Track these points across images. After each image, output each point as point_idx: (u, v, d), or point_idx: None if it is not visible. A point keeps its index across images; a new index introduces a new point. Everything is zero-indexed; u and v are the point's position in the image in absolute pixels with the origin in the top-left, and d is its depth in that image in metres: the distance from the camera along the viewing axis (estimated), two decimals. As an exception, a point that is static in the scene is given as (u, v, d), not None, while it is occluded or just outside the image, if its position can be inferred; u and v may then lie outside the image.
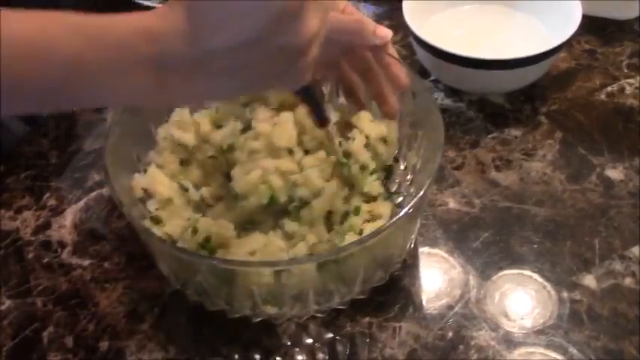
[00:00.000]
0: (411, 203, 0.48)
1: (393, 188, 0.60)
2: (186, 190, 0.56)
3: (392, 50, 0.58)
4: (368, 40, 0.55)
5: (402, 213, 0.48)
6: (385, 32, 0.56)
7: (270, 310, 0.52)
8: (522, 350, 0.52)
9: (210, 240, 0.51)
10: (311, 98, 0.51)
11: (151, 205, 0.55)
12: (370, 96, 0.60)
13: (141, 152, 0.58)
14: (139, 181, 0.55)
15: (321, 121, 0.52)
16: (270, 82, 0.41)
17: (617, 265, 0.57)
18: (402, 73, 0.57)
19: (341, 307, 0.55)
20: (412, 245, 0.58)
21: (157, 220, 0.53)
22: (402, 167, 0.61)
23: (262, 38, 0.36)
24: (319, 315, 0.55)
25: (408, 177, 0.60)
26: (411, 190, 0.58)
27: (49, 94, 0.36)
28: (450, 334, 0.54)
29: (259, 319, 0.54)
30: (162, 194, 0.55)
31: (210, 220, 0.53)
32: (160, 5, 0.38)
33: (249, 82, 0.40)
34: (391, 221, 0.48)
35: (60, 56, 0.34)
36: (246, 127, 0.55)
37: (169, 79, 0.37)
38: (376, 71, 0.58)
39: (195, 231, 0.51)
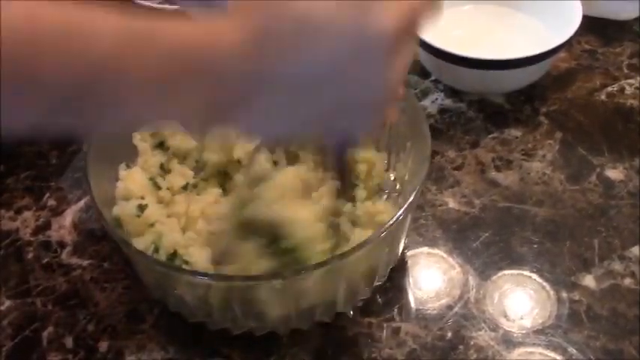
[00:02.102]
0: (392, 220, 0.47)
1: (384, 198, 0.59)
2: (159, 188, 0.56)
3: None
4: None
5: (382, 230, 0.46)
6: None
7: (252, 322, 0.51)
8: (522, 350, 0.52)
9: (177, 255, 0.51)
10: (345, 162, 0.45)
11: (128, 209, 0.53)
12: None
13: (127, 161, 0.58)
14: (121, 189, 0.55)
15: (348, 191, 0.48)
16: (327, 130, 0.35)
17: (617, 266, 0.57)
18: None
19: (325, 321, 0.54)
20: (397, 259, 0.56)
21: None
22: (392, 178, 0.60)
23: (339, 73, 0.30)
24: (301, 327, 0.54)
25: (397, 187, 0.59)
26: (399, 201, 0.57)
27: (72, 93, 0.29)
28: (450, 334, 0.54)
29: (240, 331, 0.53)
30: (136, 193, 0.54)
31: (175, 235, 0.52)
32: (160, 5, 0.35)
33: (305, 124, 0.33)
34: (370, 237, 0.46)
35: (96, 51, 0.29)
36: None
37: (219, 102, 0.32)
38: None
39: (157, 250, 0.51)
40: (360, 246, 0.46)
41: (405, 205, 0.48)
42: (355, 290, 0.52)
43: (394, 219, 0.47)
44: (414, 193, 0.48)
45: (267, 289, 0.47)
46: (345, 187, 0.47)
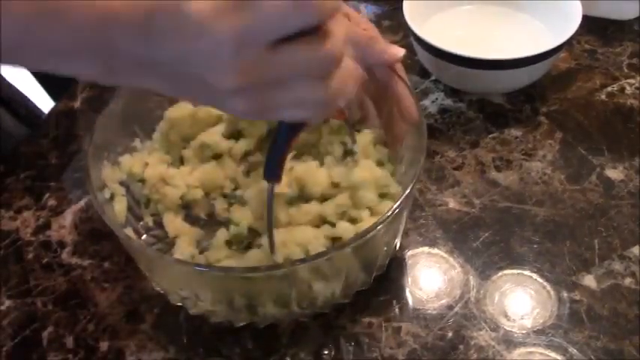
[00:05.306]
0: (389, 212, 0.47)
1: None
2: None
3: (401, 70, 0.56)
4: (377, 57, 0.53)
5: (379, 222, 0.46)
6: (395, 50, 0.54)
7: (253, 314, 0.51)
8: (522, 350, 0.52)
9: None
10: (284, 142, 0.43)
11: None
12: (380, 123, 0.59)
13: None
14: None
15: (273, 174, 0.46)
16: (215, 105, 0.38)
17: (617, 265, 0.57)
18: (412, 106, 0.55)
19: (324, 312, 0.54)
20: (395, 251, 0.56)
21: None
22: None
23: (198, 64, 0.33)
24: (303, 319, 0.54)
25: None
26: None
27: (5, 53, 0.35)
28: (450, 334, 0.54)
29: (241, 324, 0.53)
30: (153, 178, 0.56)
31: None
32: None
33: (191, 95, 0.38)
34: (368, 228, 0.46)
35: (10, 22, 0.32)
36: None
37: (114, 67, 0.35)
38: (388, 100, 0.56)
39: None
40: (358, 236, 0.46)
41: (403, 195, 0.48)
42: (354, 280, 0.52)
43: (390, 211, 0.47)
44: (411, 185, 0.48)
45: (267, 279, 0.47)
46: (273, 167, 0.46)
